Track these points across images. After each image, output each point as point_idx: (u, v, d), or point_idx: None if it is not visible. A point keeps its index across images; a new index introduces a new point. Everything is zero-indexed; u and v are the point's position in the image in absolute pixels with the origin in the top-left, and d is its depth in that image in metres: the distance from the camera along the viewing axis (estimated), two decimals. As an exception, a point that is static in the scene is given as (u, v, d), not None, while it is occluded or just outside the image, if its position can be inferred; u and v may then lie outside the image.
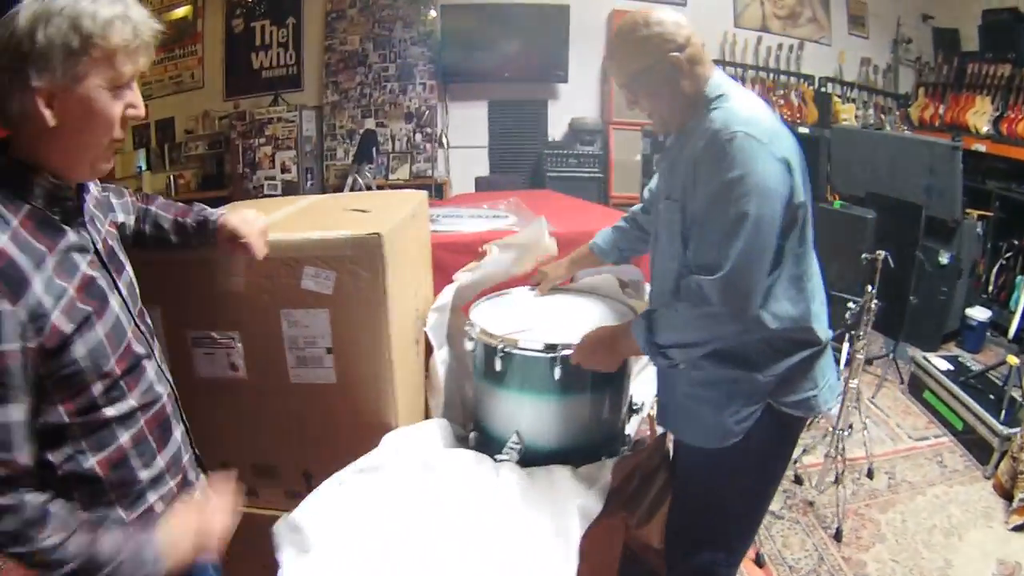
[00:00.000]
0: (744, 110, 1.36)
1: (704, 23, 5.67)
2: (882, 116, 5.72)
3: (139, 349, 1.08)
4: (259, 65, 5.90)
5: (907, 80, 5.91)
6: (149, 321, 1.18)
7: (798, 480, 2.87)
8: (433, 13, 5.75)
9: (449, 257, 2.81)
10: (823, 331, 1.48)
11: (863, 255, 3.16)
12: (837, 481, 2.67)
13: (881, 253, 3.09)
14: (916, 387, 3.60)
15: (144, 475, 1.07)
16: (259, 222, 1.37)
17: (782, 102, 5.65)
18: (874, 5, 5.87)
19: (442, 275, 2.80)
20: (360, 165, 5.39)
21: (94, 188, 1.14)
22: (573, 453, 1.68)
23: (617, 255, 1.96)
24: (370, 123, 5.86)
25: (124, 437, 1.04)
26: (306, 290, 1.45)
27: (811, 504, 2.75)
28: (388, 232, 1.42)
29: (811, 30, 5.87)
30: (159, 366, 1.14)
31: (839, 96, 5.76)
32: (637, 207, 1.92)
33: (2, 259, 0.88)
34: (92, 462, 1.00)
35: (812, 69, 5.80)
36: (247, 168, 5.56)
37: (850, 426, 2.94)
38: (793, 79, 5.78)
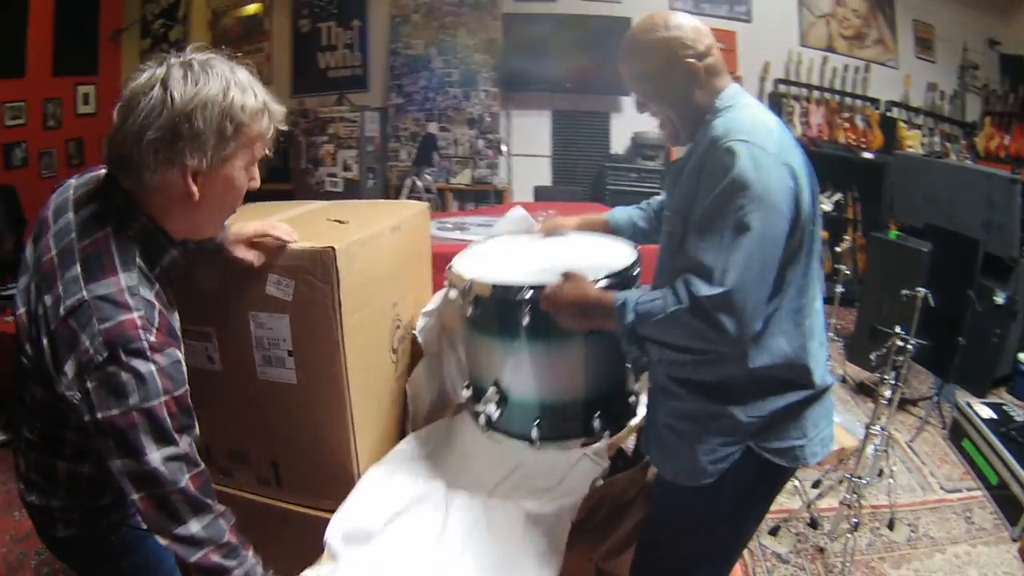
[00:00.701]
0: (748, 118, 1.28)
1: (769, 41, 5.59)
2: (947, 144, 5.45)
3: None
4: (325, 65, 6.14)
5: (974, 108, 5.62)
6: None
7: (813, 524, 2.74)
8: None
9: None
10: (820, 374, 1.36)
11: (903, 292, 3.04)
12: (855, 529, 2.56)
13: (921, 291, 2.96)
14: (957, 434, 3.40)
15: None
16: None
17: (847, 125, 5.47)
18: (941, 28, 5.61)
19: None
20: (419, 168, 5.53)
21: None
22: (559, 409, 1.57)
23: (631, 232, 1.81)
24: (433, 127, 5.99)
25: (188, 472, 1.10)
26: (270, 295, 1.51)
27: (821, 551, 2.62)
28: (345, 247, 1.46)
29: (877, 52, 5.65)
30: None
31: (905, 122, 5.52)
32: (657, 198, 1.83)
33: (162, 316, 1.04)
34: None
35: (878, 92, 5.60)
36: (310, 164, 5.78)
37: (879, 472, 2.83)
38: (859, 102, 5.58)
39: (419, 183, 5.39)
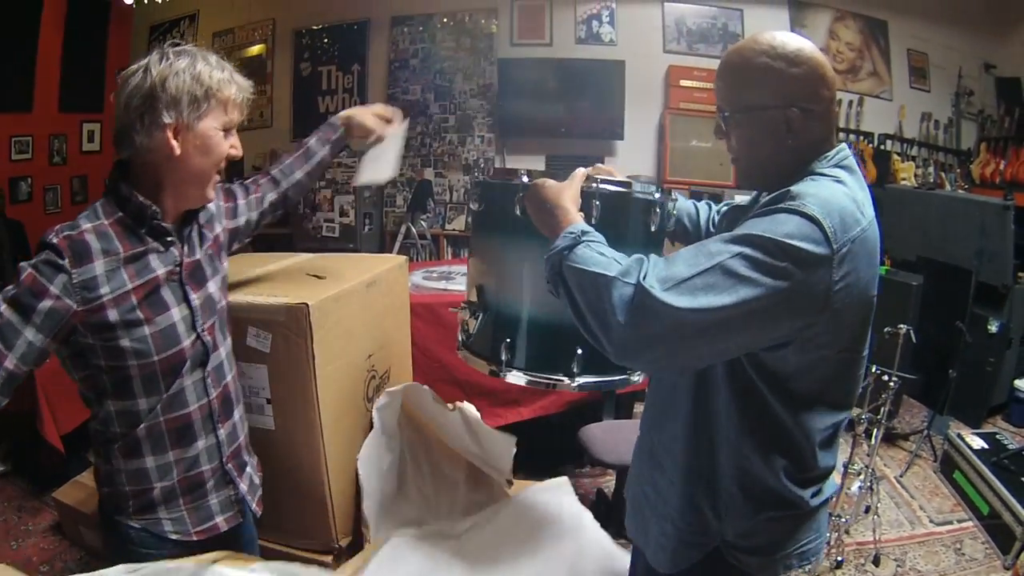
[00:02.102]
0: (838, 199, 1.05)
1: (762, 78, 5.67)
2: (942, 174, 5.50)
3: (188, 362, 1.28)
4: (325, 109, 6.25)
5: (970, 135, 5.68)
6: (221, 338, 1.39)
7: (795, 560, 2.78)
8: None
9: (454, 316, 2.94)
10: (818, 491, 1.22)
11: (885, 329, 3.09)
12: (838, 567, 2.59)
13: (903, 327, 3.02)
14: (948, 466, 3.41)
15: (150, 460, 1.28)
16: (369, 113, 1.73)
17: (840, 160, 5.52)
18: (936, 56, 5.70)
19: (450, 333, 2.93)
20: (414, 214, 5.61)
21: (211, 205, 1.44)
22: (537, 329, 1.38)
23: (676, 220, 1.52)
24: (429, 173, 6.06)
25: (142, 423, 1.25)
26: (250, 347, 1.60)
27: (805, 588, 2.65)
28: (318, 303, 1.56)
29: (871, 84, 5.74)
30: (205, 380, 1.33)
31: (898, 154, 5.59)
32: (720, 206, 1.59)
33: (79, 236, 1.17)
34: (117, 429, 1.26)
35: (872, 126, 5.68)
36: (307, 209, 5.89)
37: (866, 509, 2.86)
38: (852, 137, 5.65)
39: (414, 229, 5.47)
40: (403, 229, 5.56)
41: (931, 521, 3.07)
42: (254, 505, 1.48)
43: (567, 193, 1.23)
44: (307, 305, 1.53)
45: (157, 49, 1.23)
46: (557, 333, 1.33)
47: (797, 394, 1.13)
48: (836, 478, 2.90)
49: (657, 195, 1.37)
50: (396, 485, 1.92)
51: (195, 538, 1.35)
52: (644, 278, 1.00)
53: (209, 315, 1.33)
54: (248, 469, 1.47)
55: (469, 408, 2.07)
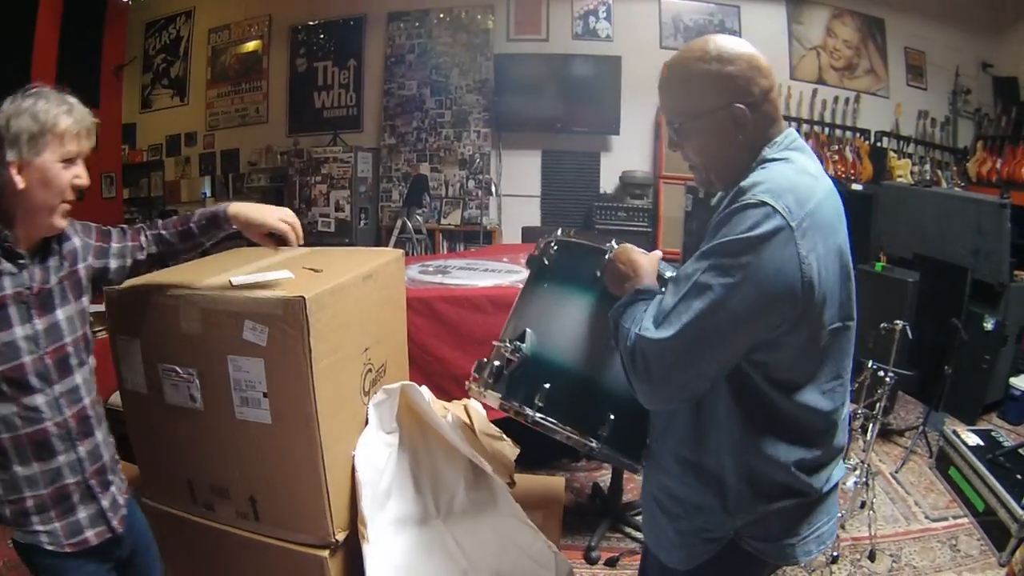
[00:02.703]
0: (790, 176, 1.13)
1: (758, 75, 5.68)
2: (938, 172, 5.51)
3: (33, 378, 1.36)
4: (321, 104, 6.27)
5: (966, 133, 5.70)
6: (74, 364, 1.45)
7: (791, 556, 2.78)
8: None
9: (451, 310, 2.94)
10: (828, 481, 1.25)
11: (881, 325, 3.10)
12: (833, 562, 2.59)
13: (899, 323, 3.03)
14: (943, 462, 3.42)
15: (19, 470, 1.38)
16: (273, 212, 1.63)
17: (836, 158, 5.56)
18: (933, 54, 5.73)
19: (446, 328, 2.94)
20: (410, 209, 5.61)
21: (76, 239, 1.50)
22: (573, 382, 1.44)
23: None
24: (425, 168, 6.06)
25: (5, 432, 1.35)
26: (247, 340, 1.60)
27: (800, 583, 2.66)
28: (315, 296, 1.55)
29: (868, 81, 5.76)
30: (57, 400, 1.41)
31: (895, 151, 5.60)
32: None
33: None
34: None
35: (868, 123, 5.70)
36: (303, 204, 5.88)
37: (861, 504, 2.87)
38: (848, 133, 5.67)
39: (409, 224, 5.48)
40: (399, 224, 5.56)
41: (926, 517, 3.08)
42: (115, 522, 1.54)
43: (643, 260, 1.31)
44: (303, 298, 1.52)
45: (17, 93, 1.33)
46: (593, 390, 1.43)
47: (791, 378, 1.16)
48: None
49: None
50: (393, 482, 1.91)
51: (67, 550, 1.45)
52: (641, 324, 1.12)
53: (53, 340, 1.40)
54: (112, 488, 1.55)
55: (474, 406, 2.06)
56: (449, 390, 2.89)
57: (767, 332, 1.10)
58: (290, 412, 1.62)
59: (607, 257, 1.39)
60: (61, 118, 1.32)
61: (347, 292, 1.74)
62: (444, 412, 1.91)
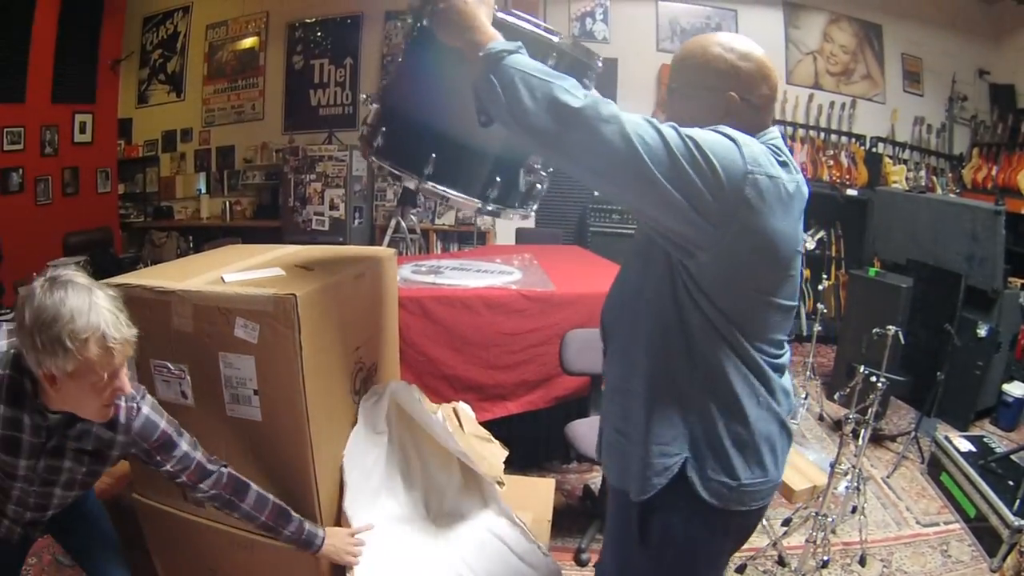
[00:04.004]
0: (757, 143, 1.21)
1: (755, 79, 5.69)
2: (934, 179, 5.53)
3: (12, 505, 1.44)
4: (317, 102, 6.26)
5: (962, 140, 5.72)
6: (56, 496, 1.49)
7: (781, 562, 2.77)
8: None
9: (443, 310, 2.94)
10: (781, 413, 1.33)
11: (874, 330, 3.11)
12: (824, 567, 2.59)
13: (892, 328, 3.04)
14: (935, 468, 3.43)
15: None
16: (355, 549, 1.70)
17: (832, 163, 5.56)
18: (930, 60, 5.74)
19: (437, 328, 2.94)
20: (404, 208, 5.60)
21: (119, 435, 1.46)
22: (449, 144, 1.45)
23: None
24: (419, 168, 6.05)
25: None
26: (238, 338, 1.59)
27: (790, 588, 2.65)
28: (306, 294, 1.54)
29: (865, 87, 5.78)
30: (25, 531, 1.53)
31: (890, 157, 5.62)
32: None
33: None
34: None
35: (864, 128, 5.71)
36: (298, 202, 5.87)
37: (852, 509, 2.87)
38: (844, 139, 5.68)
39: (403, 224, 5.46)
40: (393, 223, 5.53)
41: (918, 522, 3.08)
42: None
43: (483, 9, 1.26)
44: (295, 296, 1.51)
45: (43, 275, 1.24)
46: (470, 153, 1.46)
47: (720, 321, 1.25)
48: (820, 476, 2.91)
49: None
50: (381, 482, 1.90)
51: None
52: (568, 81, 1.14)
53: (47, 484, 1.44)
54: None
55: (463, 408, 2.06)
56: (440, 390, 2.90)
57: (668, 206, 1.14)
58: (281, 410, 1.61)
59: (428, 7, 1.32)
60: (88, 345, 1.20)
61: (339, 291, 1.73)
62: (434, 411, 1.90)
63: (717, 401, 1.29)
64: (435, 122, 1.45)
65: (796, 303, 1.33)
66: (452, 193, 1.49)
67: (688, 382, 1.30)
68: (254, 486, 1.59)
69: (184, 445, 1.52)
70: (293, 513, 1.62)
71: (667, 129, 1.13)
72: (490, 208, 1.51)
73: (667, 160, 1.12)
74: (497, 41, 1.20)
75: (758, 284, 1.25)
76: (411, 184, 1.50)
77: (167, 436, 1.50)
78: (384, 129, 1.52)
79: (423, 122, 1.46)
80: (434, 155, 1.44)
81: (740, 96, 1.27)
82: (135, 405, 1.46)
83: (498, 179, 1.51)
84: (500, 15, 1.33)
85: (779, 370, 1.35)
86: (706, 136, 1.15)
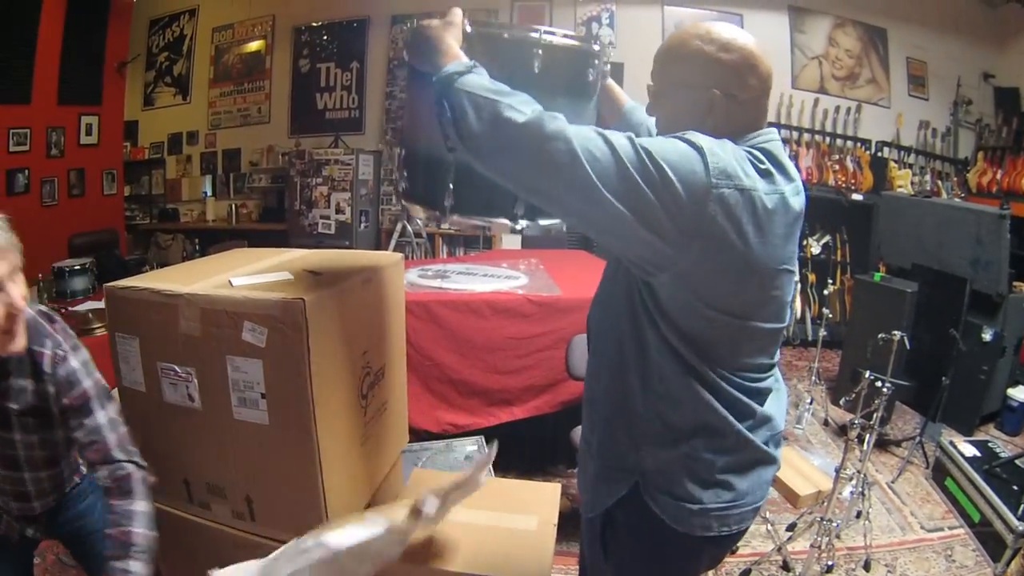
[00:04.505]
0: (732, 150, 1.11)
1: (760, 83, 5.70)
2: (939, 183, 5.52)
3: None
4: (323, 106, 6.28)
5: (968, 144, 5.71)
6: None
7: (786, 567, 2.77)
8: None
9: (449, 314, 2.95)
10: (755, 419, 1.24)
11: (879, 335, 3.11)
12: (829, 571, 2.59)
13: (897, 334, 3.04)
14: (940, 473, 3.43)
15: None
16: None
17: (837, 167, 5.56)
18: (935, 64, 5.74)
19: (444, 333, 2.95)
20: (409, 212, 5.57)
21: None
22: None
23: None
24: (426, 171, 6.06)
25: None
26: (246, 341, 1.60)
27: (794, 592, 2.65)
28: (314, 298, 1.55)
29: (870, 91, 5.77)
30: (22, 528, 1.57)
31: (896, 161, 5.61)
32: None
33: None
34: None
35: (869, 133, 5.70)
36: (304, 206, 5.88)
37: (857, 514, 2.87)
38: (849, 143, 5.67)
39: (409, 227, 5.46)
40: (399, 227, 5.55)
41: (922, 527, 3.08)
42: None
43: (450, 30, 1.21)
44: (303, 300, 1.52)
45: None
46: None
47: (681, 344, 1.17)
48: (824, 481, 2.91)
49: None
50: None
51: None
52: (515, 98, 1.07)
53: (10, 466, 1.47)
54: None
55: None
56: (446, 395, 2.91)
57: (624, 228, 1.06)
58: (288, 413, 1.61)
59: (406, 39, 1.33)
60: None
61: (347, 295, 1.74)
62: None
63: (671, 426, 1.22)
64: (442, 153, 1.38)
65: (782, 324, 1.24)
66: (480, 221, 1.46)
67: (641, 402, 1.23)
68: (146, 505, 1.52)
69: (102, 419, 1.50)
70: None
71: (620, 141, 1.05)
72: (521, 225, 1.43)
73: (616, 175, 1.03)
74: (453, 62, 1.14)
75: (729, 306, 1.15)
76: (444, 224, 1.47)
77: (87, 399, 1.47)
78: (405, 172, 1.52)
79: (433, 156, 1.42)
80: (451, 186, 1.39)
81: (723, 92, 1.17)
82: (62, 353, 1.46)
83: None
84: (478, 30, 1.27)
85: (758, 395, 1.25)
86: (664, 146, 1.06)
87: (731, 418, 1.20)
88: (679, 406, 1.20)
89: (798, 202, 1.19)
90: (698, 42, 1.19)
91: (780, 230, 1.14)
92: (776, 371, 1.30)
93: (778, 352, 1.29)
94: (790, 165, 1.21)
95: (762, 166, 1.13)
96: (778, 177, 1.15)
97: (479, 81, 1.10)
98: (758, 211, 1.09)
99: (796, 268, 1.26)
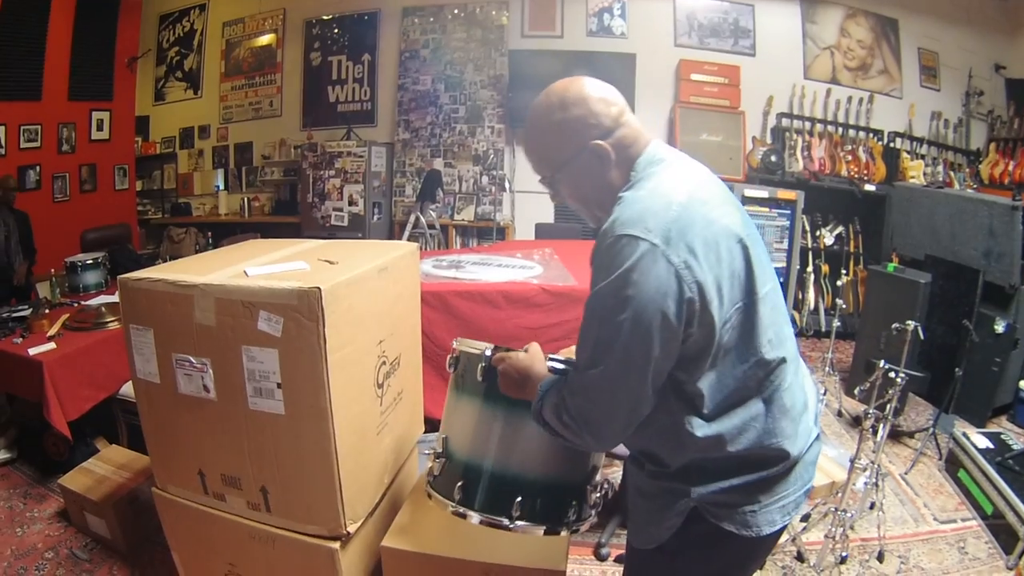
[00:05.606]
0: (646, 197, 1.15)
1: (773, 75, 5.69)
2: (951, 174, 5.48)
3: None
4: (335, 99, 6.28)
5: (980, 135, 5.66)
6: None
7: (800, 557, 2.77)
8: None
9: (464, 305, 2.95)
10: (790, 446, 1.24)
11: (893, 325, 3.09)
12: (842, 562, 2.59)
13: (911, 324, 3.02)
14: (953, 465, 3.41)
15: None
16: None
17: (850, 158, 5.52)
18: (947, 55, 5.69)
19: (459, 322, 2.95)
20: (423, 204, 5.60)
21: None
22: (494, 479, 1.52)
23: None
24: (439, 163, 6.05)
25: None
26: (261, 331, 1.61)
27: (808, 583, 2.65)
28: (331, 287, 1.56)
29: (882, 82, 5.73)
30: None
31: (908, 152, 5.57)
32: None
33: None
34: None
35: (881, 123, 5.66)
36: (316, 198, 5.89)
37: (870, 505, 2.86)
38: (862, 134, 5.64)
39: (423, 219, 5.47)
40: (412, 219, 5.55)
41: (935, 519, 3.07)
42: None
43: (532, 360, 1.38)
44: (319, 289, 1.52)
45: None
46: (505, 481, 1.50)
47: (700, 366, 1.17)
48: (839, 472, 2.90)
49: None
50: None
51: None
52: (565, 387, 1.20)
53: None
54: None
55: None
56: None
57: (677, 338, 1.12)
58: (304, 403, 1.63)
59: (487, 365, 1.48)
60: None
61: (363, 284, 1.75)
62: None
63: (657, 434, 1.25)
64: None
65: (760, 350, 1.21)
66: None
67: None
68: None
69: None
70: None
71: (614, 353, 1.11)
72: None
73: (625, 365, 1.11)
74: (536, 399, 1.28)
75: (736, 299, 1.18)
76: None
77: None
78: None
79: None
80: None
81: (600, 136, 1.21)
82: None
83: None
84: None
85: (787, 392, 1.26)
86: (620, 312, 1.08)
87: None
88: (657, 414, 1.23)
89: (722, 214, 1.19)
90: (546, 118, 1.23)
91: (726, 255, 1.16)
92: (785, 364, 1.27)
93: (789, 341, 1.30)
94: (680, 158, 1.26)
95: (669, 183, 1.18)
96: (688, 174, 1.23)
97: (548, 415, 1.24)
98: (694, 218, 1.13)
99: (757, 234, 1.27)
